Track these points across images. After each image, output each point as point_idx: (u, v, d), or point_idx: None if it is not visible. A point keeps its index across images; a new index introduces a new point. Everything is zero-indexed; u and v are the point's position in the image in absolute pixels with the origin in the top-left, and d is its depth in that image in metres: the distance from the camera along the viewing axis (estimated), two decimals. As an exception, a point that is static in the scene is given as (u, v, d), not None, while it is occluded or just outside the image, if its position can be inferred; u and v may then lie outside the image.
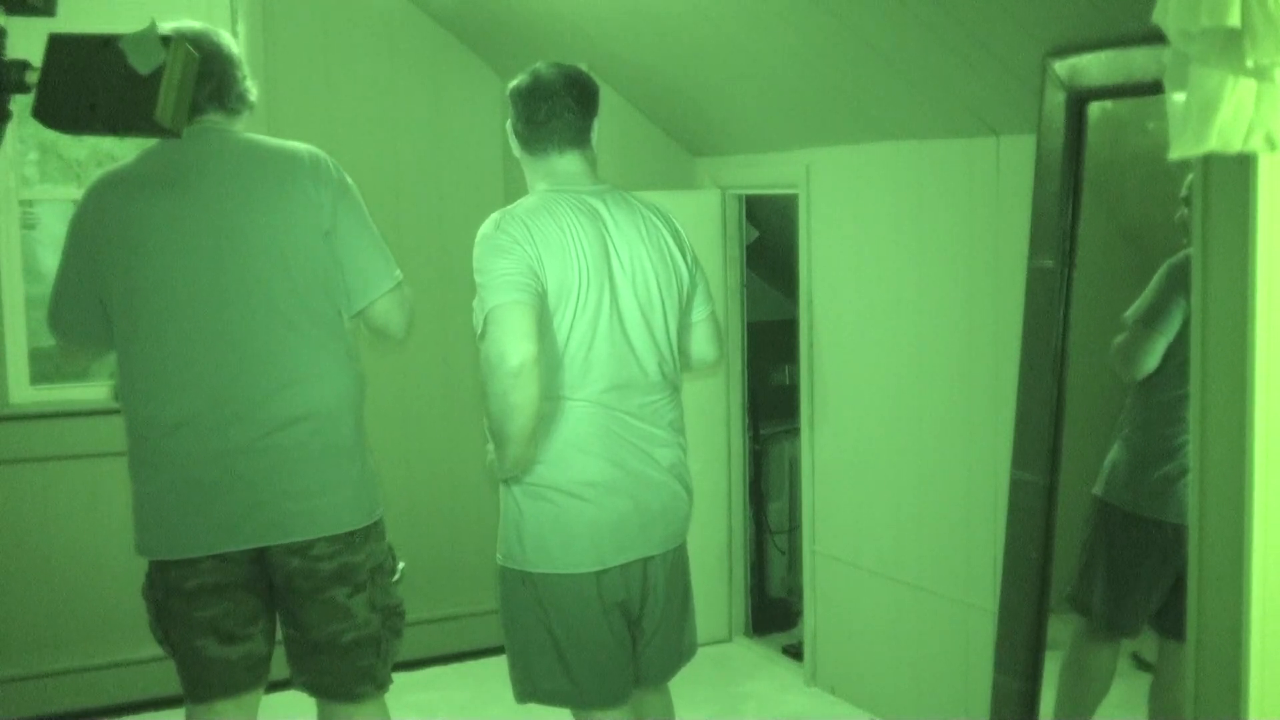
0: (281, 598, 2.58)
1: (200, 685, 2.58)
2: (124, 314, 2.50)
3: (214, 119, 2.55)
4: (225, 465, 2.48)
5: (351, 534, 2.56)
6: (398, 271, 2.65)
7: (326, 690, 2.64)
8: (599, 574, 2.61)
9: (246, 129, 2.66)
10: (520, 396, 2.43)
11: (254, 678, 2.61)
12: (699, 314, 2.78)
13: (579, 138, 2.67)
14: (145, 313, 2.48)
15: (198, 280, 2.46)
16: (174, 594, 2.54)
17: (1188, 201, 2.92)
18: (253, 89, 2.65)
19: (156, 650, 2.70)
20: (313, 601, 2.55)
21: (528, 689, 2.71)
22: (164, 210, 2.48)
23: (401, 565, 2.72)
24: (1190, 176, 2.90)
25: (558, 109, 2.64)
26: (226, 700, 2.58)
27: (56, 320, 2.61)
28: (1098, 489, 3.08)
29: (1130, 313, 2.98)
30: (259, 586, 2.57)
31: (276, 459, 2.49)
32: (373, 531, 2.62)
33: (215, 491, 2.49)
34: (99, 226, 2.51)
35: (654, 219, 2.70)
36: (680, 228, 2.77)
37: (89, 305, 2.54)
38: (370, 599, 2.60)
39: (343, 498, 2.55)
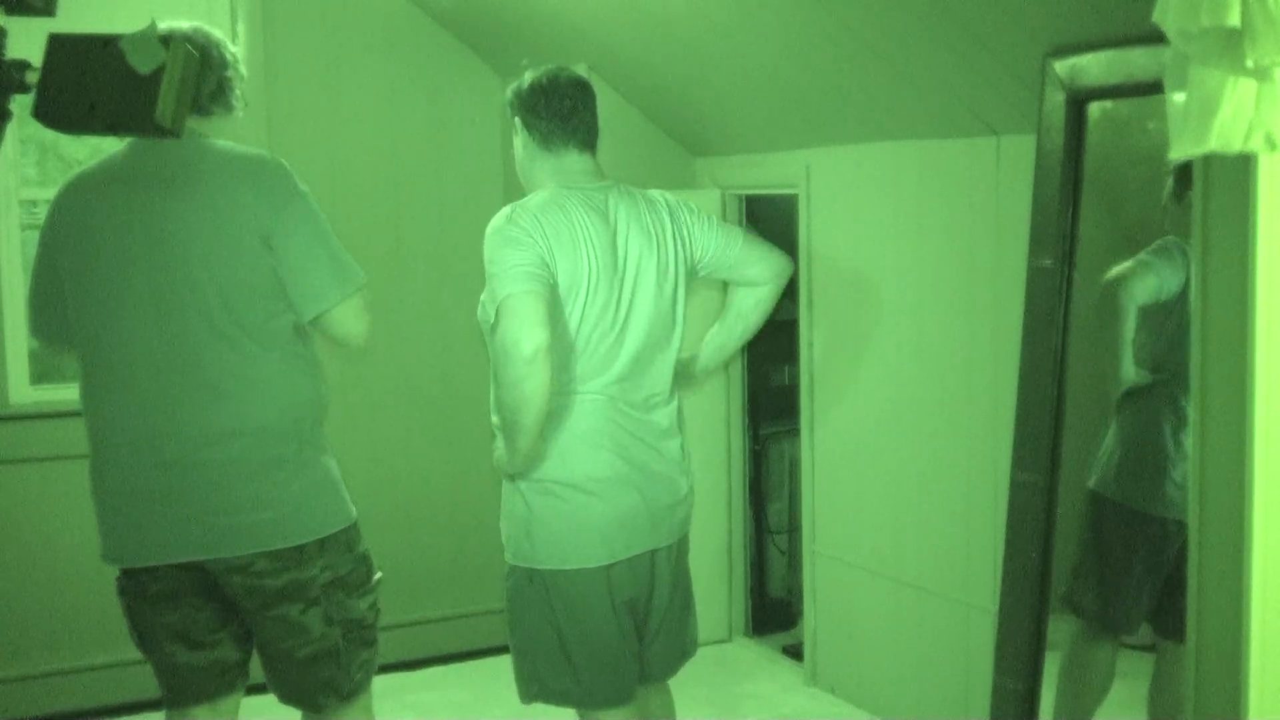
0: (236, 612, 2.55)
1: (174, 691, 2.58)
2: (76, 315, 2.49)
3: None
4: (159, 477, 2.44)
5: (298, 549, 2.48)
6: (356, 280, 2.51)
7: (291, 699, 2.63)
8: (608, 569, 2.61)
9: (243, 128, 2.64)
10: (533, 385, 2.43)
11: (227, 683, 2.59)
12: (733, 248, 2.78)
13: (592, 138, 2.70)
14: (91, 316, 2.47)
15: (136, 287, 2.42)
16: (140, 599, 2.53)
17: (1166, 210, 2.94)
18: (234, 91, 2.59)
19: (156, 650, 2.69)
20: (264, 618, 2.51)
21: (533, 688, 2.71)
22: (111, 213, 2.45)
23: (378, 576, 2.66)
24: (1169, 185, 2.93)
25: (578, 107, 2.66)
26: (201, 706, 2.57)
27: (32, 321, 2.61)
28: (1091, 482, 3.09)
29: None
30: (219, 594, 2.53)
31: (210, 474, 2.43)
32: (329, 544, 2.53)
33: (150, 503, 2.45)
34: (60, 227, 2.50)
35: (660, 210, 2.71)
36: (684, 205, 2.77)
37: (57, 305, 2.52)
38: (326, 613, 2.53)
39: (283, 513, 2.47)
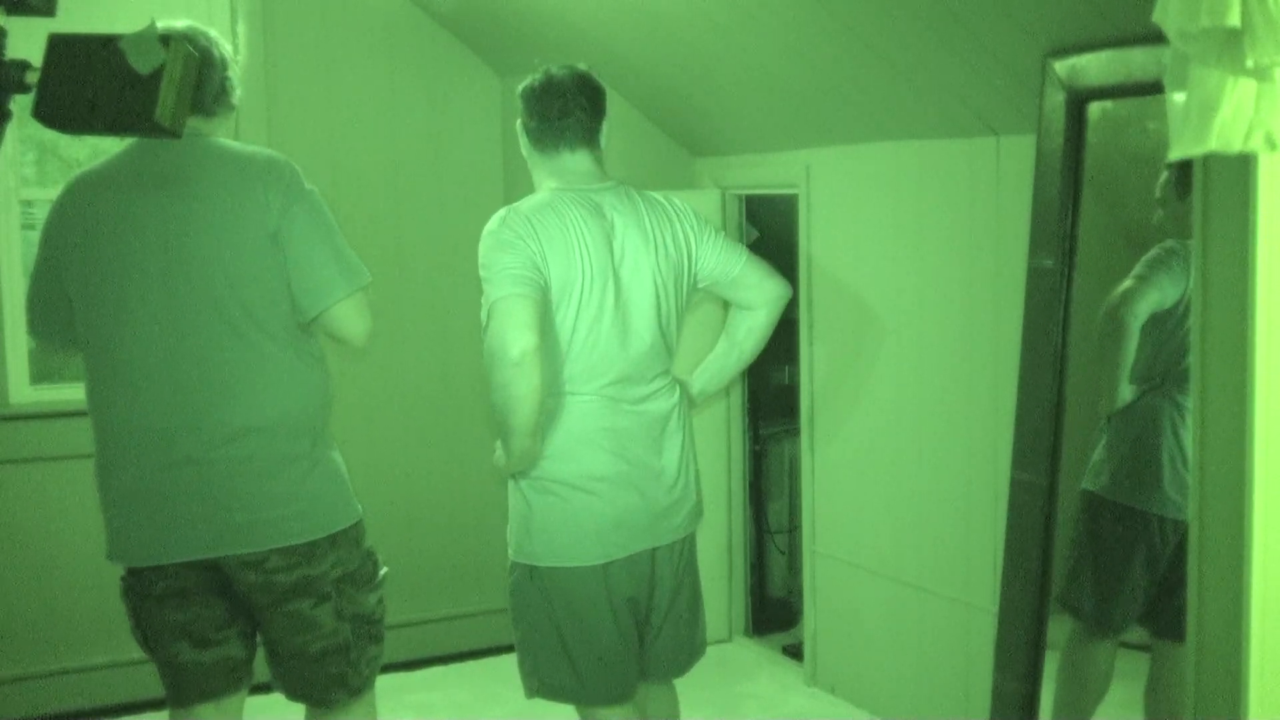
0: (246, 608, 2.55)
1: (179, 690, 2.58)
2: (83, 316, 2.49)
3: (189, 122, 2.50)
4: (171, 476, 2.44)
5: (311, 545, 2.50)
6: (361, 278, 2.53)
7: (300, 696, 2.64)
8: (605, 567, 2.63)
9: (244, 128, 2.64)
10: (522, 387, 2.45)
11: (232, 681, 2.59)
12: (733, 267, 2.79)
13: (589, 137, 2.70)
14: (100, 315, 2.47)
15: (147, 287, 2.43)
16: (145, 598, 2.53)
17: (1163, 202, 2.93)
18: (235, 90, 2.60)
19: (155, 650, 2.69)
20: (275, 614, 2.52)
21: (534, 684, 2.73)
22: (120, 213, 2.45)
23: (384, 571, 2.67)
24: (1164, 177, 2.93)
25: (570, 107, 2.67)
26: (206, 704, 2.57)
27: (31, 321, 2.61)
28: (1085, 483, 3.09)
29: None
30: (228, 592, 2.53)
31: (223, 472, 2.44)
32: (340, 540, 2.55)
33: (162, 501, 2.46)
34: (64, 227, 2.50)
35: (661, 213, 2.72)
36: (692, 211, 2.79)
37: (59, 306, 2.52)
38: (337, 608, 2.55)
39: (296, 510, 2.48)
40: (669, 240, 2.69)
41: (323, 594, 2.53)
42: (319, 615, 2.53)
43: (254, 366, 2.46)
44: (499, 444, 2.64)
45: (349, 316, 2.52)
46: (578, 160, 2.69)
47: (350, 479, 2.63)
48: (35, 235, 2.58)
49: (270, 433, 2.46)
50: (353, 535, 2.59)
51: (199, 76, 2.43)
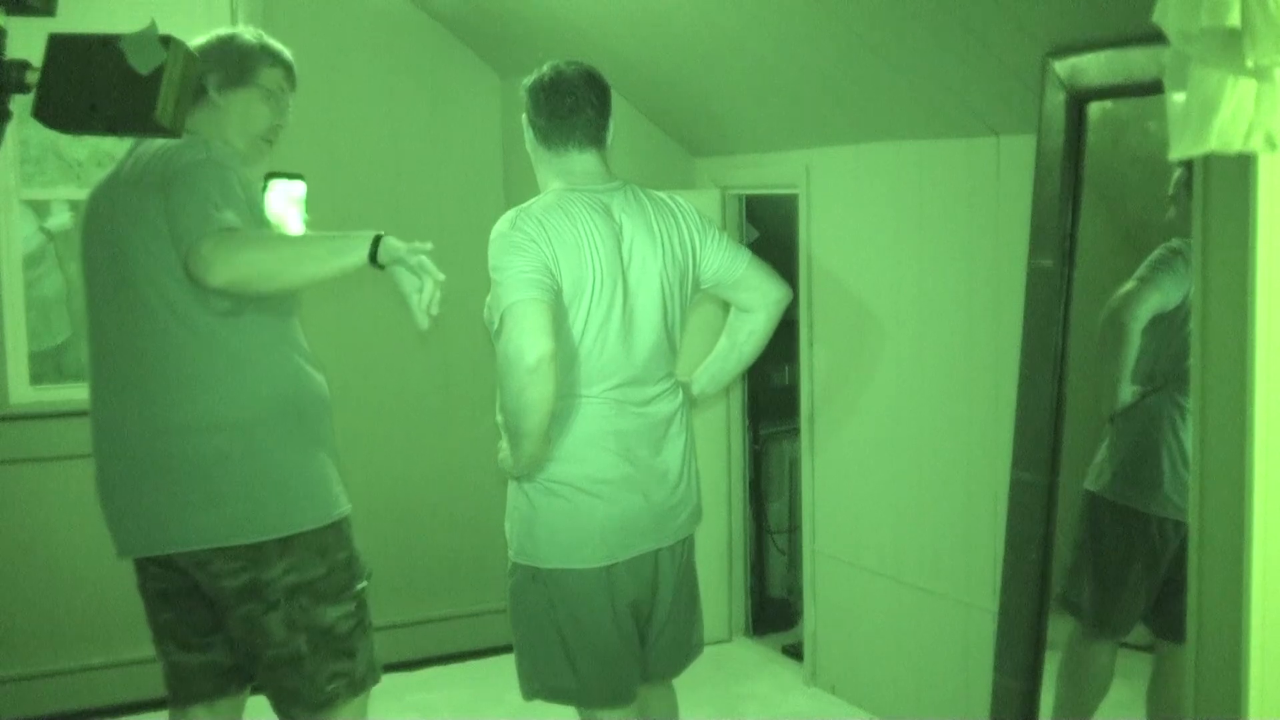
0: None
1: (173, 689, 2.59)
2: (85, 311, 2.56)
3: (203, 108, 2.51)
4: (120, 470, 2.46)
5: (256, 548, 2.40)
6: (209, 225, 2.27)
7: (272, 704, 2.57)
8: (609, 569, 2.62)
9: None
10: (536, 393, 2.44)
11: (221, 687, 2.57)
12: (736, 269, 2.77)
13: (598, 136, 2.67)
14: (87, 315, 2.53)
15: (106, 285, 2.47)
16: (142, 594, 2.57)
17: (1175, 200, 2.93)
18: (257, 68, 2.59)
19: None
20: (231, 617, 2.46)
21: (534, 686, 2.72)
22: (98, 214, 2.51)
23: (361, 585, 2.56)
24: (1177, 174, 2.92)
25: (580, 104, 2.64)
26: (198, 705, 2.57)
27: None
28: (1087, 483, 3.10)
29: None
30: (210, 596, 2.49)
31: (160, 468, 2.40)
32: (294, 545, 2.43)
33: (116, 495, 2.48)
34: (80, 228, 2.58)
35: (667, 214, 2.71)
36: (695, 211, 2.78)
37: None
38: (288, 618, 2.43)
39: (233, 511, 2.39)
40: (675, 242, 2.69)
41: (271, 601, 2.43)
42: (268, 623, 2.43)
43: (193, 364, 2.41)
44: (503, 444, 2.64)
45: (197, 261, 2.26)
46: (586, 160, 2.67)
47: (349, 480, 2.62)
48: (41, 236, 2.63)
49: (214, 430, 2.40)
50: (312, 542, 2.46)
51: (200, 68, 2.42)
